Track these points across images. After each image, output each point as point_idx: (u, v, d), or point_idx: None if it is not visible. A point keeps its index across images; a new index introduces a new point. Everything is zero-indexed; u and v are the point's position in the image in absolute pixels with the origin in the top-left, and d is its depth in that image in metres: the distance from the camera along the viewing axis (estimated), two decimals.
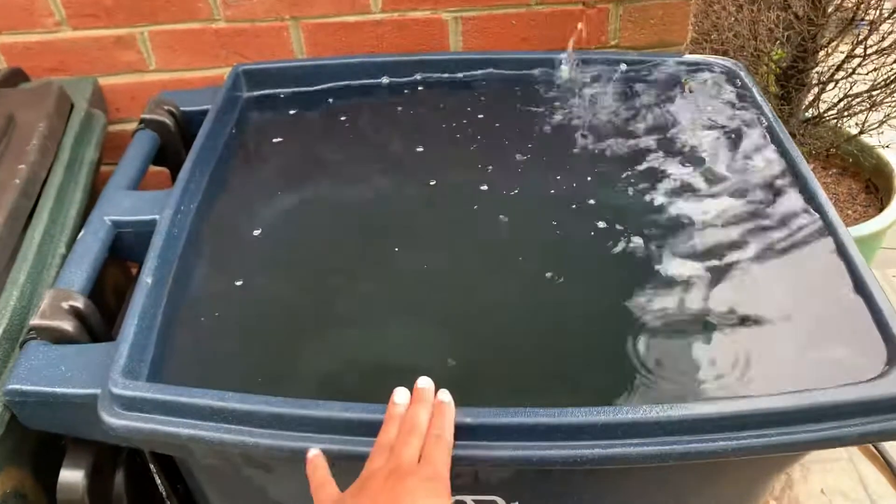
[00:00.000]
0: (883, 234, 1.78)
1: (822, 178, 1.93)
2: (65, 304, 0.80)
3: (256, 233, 0.92)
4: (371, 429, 0.67)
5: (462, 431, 0.67)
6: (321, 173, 1.03)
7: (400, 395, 0.68)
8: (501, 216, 0.93)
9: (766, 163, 0.99)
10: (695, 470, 0.76)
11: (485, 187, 0.97)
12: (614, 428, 0.67)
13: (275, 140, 1.09)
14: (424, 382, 0.68)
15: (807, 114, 1.79)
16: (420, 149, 1.05)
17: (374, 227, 0.94)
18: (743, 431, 0.68)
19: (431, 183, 0.99)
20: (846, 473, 1.92)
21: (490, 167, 1.01)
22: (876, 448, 1.91)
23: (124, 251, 0.96)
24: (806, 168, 0.96)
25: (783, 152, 1.00)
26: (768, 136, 1.03)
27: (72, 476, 0.81)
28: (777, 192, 0.94)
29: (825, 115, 1.72)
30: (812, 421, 0.69)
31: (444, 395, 0.68)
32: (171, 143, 1.12)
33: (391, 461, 0.62)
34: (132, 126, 1.20)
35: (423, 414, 0.65)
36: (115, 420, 0.71)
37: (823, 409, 0.69)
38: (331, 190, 1.00)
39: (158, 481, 0.88)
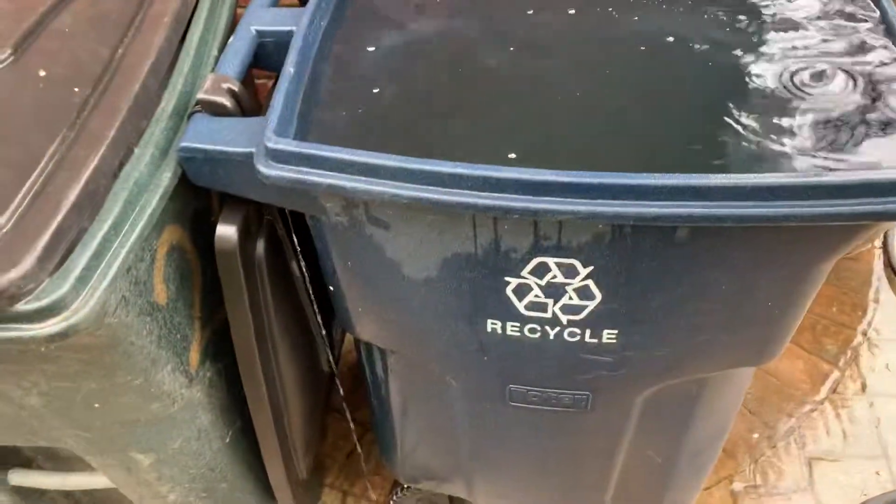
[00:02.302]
0: None
1: None
2: (223, 85, 0.97)
3: (371, 48, 1.05)
4: (464, 181, 0.81)
5: (552, 187, 0.81)
6: (433, 4, 1.14)
7: None
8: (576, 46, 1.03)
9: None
10: (754, 242, 0.87)
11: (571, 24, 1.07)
12: (680, 190, 0.80)
13: None
14: None
15: None
16: None
17: (478, 46, 1.06)
18: (797, 200, 0.79)
19: (528, 12, 1.09)
20: None
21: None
22: None
23: (264, 60, 1.12)
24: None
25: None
26: None
27: (227, 230, 0.99)
28: None
29: None
30: (870, 195, 0.79)
31: None
32: None
33: None
34: None
35: None
36: (269, 170, 0.87)
37: (875, 184, 0.78)
38: (440, 13, 1.11)
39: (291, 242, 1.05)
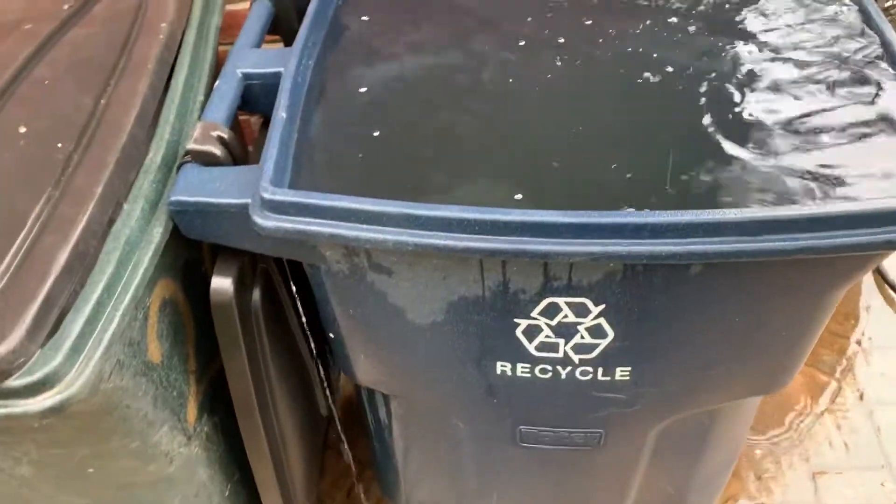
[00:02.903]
0: None
1: None
2: (213, 133, 0.94)
3: (367, 93, 1.02)
4: (472, 226, 0.79)
5: (562, 229, 0.78)
6: (429, 32, 1.12)
7: None
8: (576, 76, 1.02)
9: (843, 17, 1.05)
10: (768, 274, 0.85)
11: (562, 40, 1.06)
12: (694, 227, 0.77)
13: (380, 7, 1.18)
14: None
15: (886, 3, 1.79)
16: (525, 13, 1.13)
17: (471, 78, 1.03)
18: (814, 233, 0.77)
19: (521, 43, 1.08)
20: None
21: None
22: None
23: (250, 102, 1.09)
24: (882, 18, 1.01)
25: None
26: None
27: (222, 283, 0.96)
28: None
29: None
30: (879, 225, 0.77)
31: None
32: (285, 12, 1.23)
33: None
34: (241, 6, 1.31)
35: None
36: (266, 222, 0.84)
37: (889, 213, 0.77)
38: (435, 48, 1.09)
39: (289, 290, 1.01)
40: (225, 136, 0.94)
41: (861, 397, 1.92)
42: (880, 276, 2.14)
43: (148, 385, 0.93)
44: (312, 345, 1.20)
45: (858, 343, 2.04)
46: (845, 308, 2.10)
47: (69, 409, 0.78)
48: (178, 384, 1.01)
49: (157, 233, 0.90)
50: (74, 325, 0.78)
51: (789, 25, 1.05)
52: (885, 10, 1.73)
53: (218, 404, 1.14)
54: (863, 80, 0.95)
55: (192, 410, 1.06)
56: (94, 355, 0.78)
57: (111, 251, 0.85)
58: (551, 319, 0.91)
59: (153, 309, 0.94)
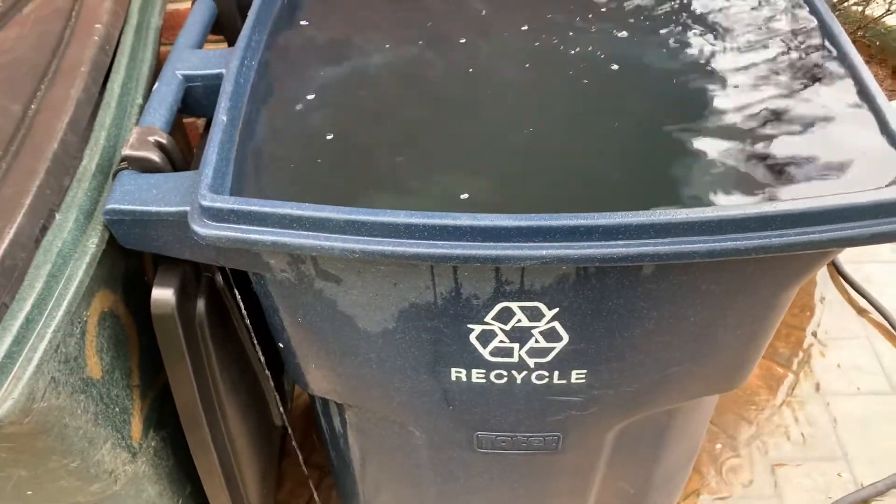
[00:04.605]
0: None
1: None
2: (150, 139, 0.90)
3: (311, 94, 0.99)
4: (420, 231, 0.76)
5: (513, 233, 0.76)
6: (371, 33, 1.09)
7: None
8: (525, 71, 1.00)
9: (793, 15, 1.04)
10: (722, 273, 0.84)
11: (516, 47, 1.04)
12: (646, 228, 0.76)
13: (324, 6, 1.15)
14: None
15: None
16: (473, 9, 1.11)
17: (420, 76, 1.01)
18: (765, 231, 0.76)
19: (461, 41, 1.06)
20: (862, 349, 2.01)
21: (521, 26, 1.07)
22: (892, 325, 1.99)
23: (192, 105, 1.05)
24: (832, 19, 1.01)
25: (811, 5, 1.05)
26: None
27: (163, 294, 0.92)
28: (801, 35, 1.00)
29: None
30: (830, 222, 0.77)
31: None
32: (228, 11, 1.19)
33: None
34: (184, 5, 1.27)
35: None
36: (205, 230, 0.80)
37: (840, 210, 0.76)
38: (377, 48, 1.06)
39: (235, 302, 0.98)
40: (163, 140, 0.90)
41: (817, 389, 1.94)
42: (834, 267, 2.17)
43: (87, 402, 0.89)
44: (262, 354, 1.16)
45: (814, 335, 2.06)
46: (801, 300, 2.12)
47: (0, 432, 0.74)
48: (120, 400, 0.97)
49: (93, 243, 0.86)
50: (1, 344, 0.73)
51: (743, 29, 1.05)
52: (834, 6, 1.74)
53: (165, 418, 1.10)
54: (810, 72, 0.95)
55: (136, 426, 1.02)
56: (24, 375, 0.74)
57: (42, 264, 0.81)
58: (505, 324, 0.89)
59: (91, 322, 0.90)
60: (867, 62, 1.99)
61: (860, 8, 1.80)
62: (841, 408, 1.90)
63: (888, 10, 1.72)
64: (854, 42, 1.92)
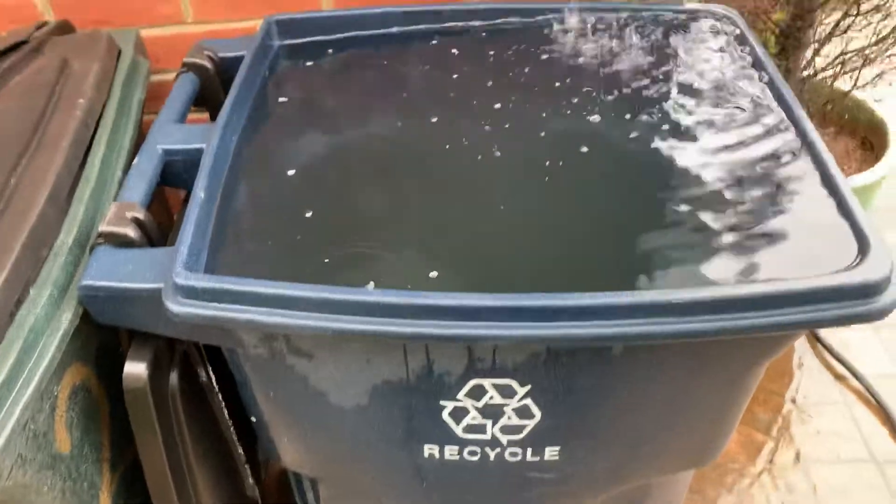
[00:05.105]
0: (876, 187, 1.86)
1: (820, 136, 2.01)
2: (128, 214, 0.91)
3: (291, 170, 1.00)
4: (392, 310, 0.77)
5: (483, 312, 0.77)
6: (347, 112, 1.12)
7: None
8: (496, 151, 1.03)
9: (756, 93, 1.08)
10: (690, 353, 0.85)
11: (488, 128, 1.07)
12: (614, 310, 0.77)
13: (305, 84, 1.18)
14: None
15: (804, 73, 1.87)
16: (444, 90, 1.15)
17: (394, 155, 1.04)
18: (732, 313, 0.78)
19: (433, 120, 1.08)
20: (841, 416, 2.01)
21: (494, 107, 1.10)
22: (870, 391, 2.00)
23: (172, 178, 1.06)
24: (794, 100, 1.05)
25: (772, 84, 1.09)
26: (759, 71, 1.12)
27: (136, 368, 0.92)
28: (765, 118, 1.04)
29: (821, 72, 1.80)
30: (796, 304, 0.78)
31: None
32: (211, 85, 1.21)
33: None
34: (170, 77, 1.29)
35: None
36: (179, 308, 0.81)
37: (805, 293, 0.78)
38: (353, 126, 1.09)
39: (206, 375, 0.98)
40: (141, 216, 0.91)
41: (797, 456, 1.94)
42: (812, 333, 2.19)
43: (55, 478, 0.88)
44: (235, 426, 1.16)
45: (793, 401, 2.06)
46: (779, 365, 2.13)
47: None
48: (89, 475, 0.96)
49: (66, 318, 0.86)
50: None
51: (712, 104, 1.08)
52: (804, 80, 1.80)
53: (135, 493, 1.08)
54: (772, 152, 0.98)
55: (105, 501, 1.01)
56: None
57: (14, 340, 0.80)
58: (478, 401, 0.89)
59: (62, 397, 0.89)
60: (837, 133, 2.05)
61: (829, 81, 1.85)
62: (821, 475, 1.89)
63: (854, 86, 1.78)
64: (824, 115, 1.99)
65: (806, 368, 2.15)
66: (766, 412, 2.03)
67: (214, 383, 1.01)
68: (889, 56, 1.70)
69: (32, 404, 0.80)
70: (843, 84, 1.83)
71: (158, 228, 0.96)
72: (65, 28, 1.32)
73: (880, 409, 1.97)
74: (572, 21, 1.25)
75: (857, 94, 1.85)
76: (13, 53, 1.19)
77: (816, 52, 1.79)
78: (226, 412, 1.08)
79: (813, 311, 0.78)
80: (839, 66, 1.76)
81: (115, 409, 1.01)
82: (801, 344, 2.21)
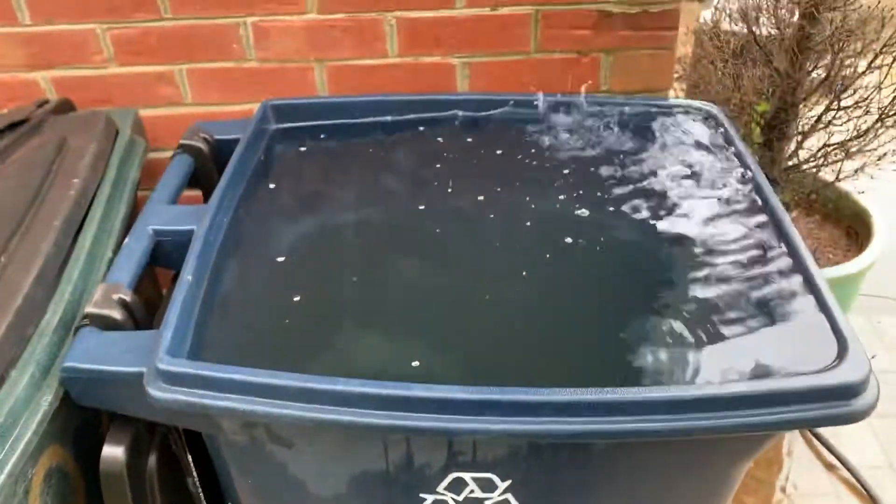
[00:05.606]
0: (861, 276, 1.88)
1: (805, 224, 2.05)
2: (114, 296, 0.91)
3: (280, 256, 1.02)
4: (372, 401, 0.77)
5: (464, 405, 0.77)
6: (338, 197, 1.14)
7: None
8: (483, 241, 1.04)
9: (738, 193, 1.11)
10: (673, 450, 0.85)
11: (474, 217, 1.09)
12: (596, 406, 0.77)
13: (297, 168, 1.21)
14: None
15: (789, 163, 1.91)
16: (431, 178, 1.17)
17: (382, 242, 1.05)
18: (714, 412, 0.78)
19: (420, 208, 1.10)
20: None
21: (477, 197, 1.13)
22: (860, 482, 1.98)
23: (162, 258, 1.07)
24: (774, 197, 1.07)
25: (753, 180, 1.11)
26: (739, 166, 1.15)
27: (113, 451, 0.91)
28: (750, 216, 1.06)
29: (805, 163, 1.84)
30: (776, 405, 0.78)
31: None
32: (205, 167, 1.24)
33: None
34: (167, 155, 1.32)
35: None
36: (160, 394, 0.81)
37: (785, 393, 0.78)
38: (343, 212, 1.11)
39: (186, 459, 0.97)
40: (127, 299, 0.92)
41: None
42: None
43: None
44: None
45: (783, 490, 2.03)
46: (768, 454, 2.11)
47: None
48: None
49: (46, 401, 0.86)
50: None
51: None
52: (787, 171, 1.84)
53: None
54: (753, 251, 1.00)
55: None
56: None
57: None
58: (458, 494, 0.88)
59: (37, 480, 0.88)
60: (823, 221, 2.08)
61: (813, 172, 1.89)
62: None
63: (837, 178, 1.81)
64: (809, 204, 2.02)
65: (796, 457, 2.12)
66: (756, 501, 2.00)
67: (193, 468, 1.00)
68: (869, 150, 1.74)
69: (5, 489, 0.79)
70: (827, 175, 1.87)
71: (145, 308, 0.96)
72: (65, 106, 1.35)
73: (871, 500, 1.94)
74: (557, 115, 1.29)
75: (841, 184, 1.88)
76: (13, 131, 1.21)
77: (800, 145, 1.83)
78: (203, 498, 1.06)
79: (795, 412, 0.78)
80: (822, 158, 1.80)
81: (92, 489, 0.99)
82: (791, 432, 2.19)
